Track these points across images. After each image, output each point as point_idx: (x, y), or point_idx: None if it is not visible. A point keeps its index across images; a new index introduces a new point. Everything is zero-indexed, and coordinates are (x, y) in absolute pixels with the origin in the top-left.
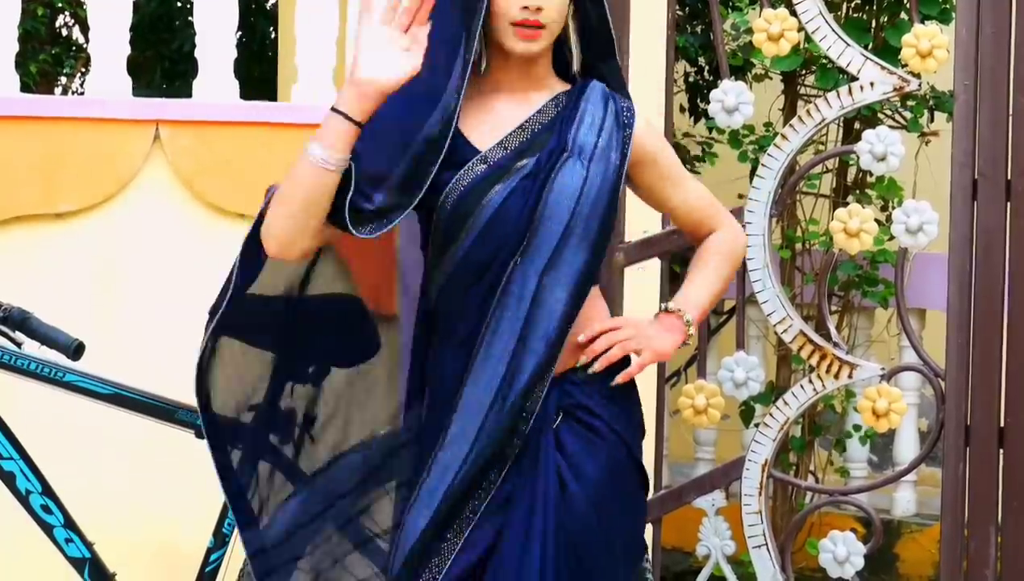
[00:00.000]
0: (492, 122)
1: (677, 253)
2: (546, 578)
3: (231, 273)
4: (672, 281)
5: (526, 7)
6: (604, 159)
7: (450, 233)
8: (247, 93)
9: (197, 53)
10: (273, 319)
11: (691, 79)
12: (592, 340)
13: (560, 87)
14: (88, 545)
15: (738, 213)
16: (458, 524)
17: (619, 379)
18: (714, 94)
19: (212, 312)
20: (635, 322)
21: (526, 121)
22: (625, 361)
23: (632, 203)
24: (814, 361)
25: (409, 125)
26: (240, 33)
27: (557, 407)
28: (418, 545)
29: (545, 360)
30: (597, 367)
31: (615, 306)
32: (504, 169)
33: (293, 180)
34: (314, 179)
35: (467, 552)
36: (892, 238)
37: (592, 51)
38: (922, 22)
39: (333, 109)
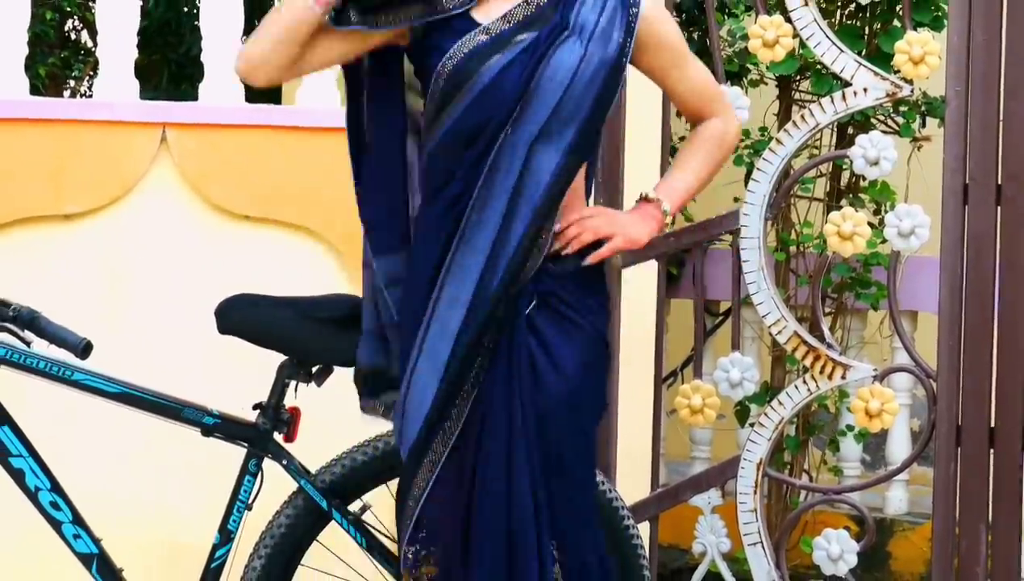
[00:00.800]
0: None
1: (674, 255)
2: (519, 459)
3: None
4: (669, 282)
5: None
6: (604, 38)
7: (446, 98)
8: (252, 96)
9: (203, 57)
10: (282, 322)
11: None
12: (567, 228)
13: None
14: (96, 541)
15: (733, 216)
16: (466, 390)
17: (589, 259)
18: None
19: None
20: (609, 210)
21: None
22: (598, 245)
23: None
24: (808, 362)
25: None
26: (245, 37)
27: (531, 293)
28: (432, 412)
29: (532, 229)
30: (569, 250)
31: (612, 307)
32: (504, 41)
33: (278, 12)
34: (297, 14)
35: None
36: (885, 241)
37: None
38: (915, 29)
39: None
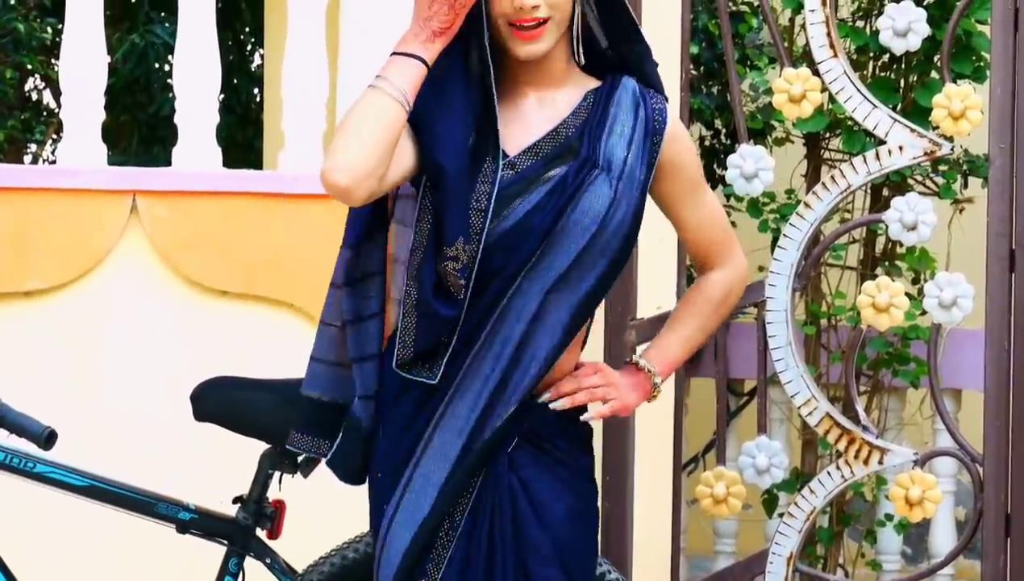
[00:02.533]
0: (522, 124)
1: None
2: None
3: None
4: (688, 359)
5: (520, 7)
6: (631, 178)
7: None
8: (231, 160)
9: (177, 118)
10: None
11: (707, 143)
12: (562, 380)
13: (590, 83)
14: None
15: (758, 287)
16: (441, 541)
17: (584, 417)
18: (731, 159)
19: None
20: (607, 370)
21: (560, 125)
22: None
23: (645, 278)
24: (842, 446)
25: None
26: (223, 96)
27: (514, 432)
28: (404, 564)
29: (535, 379)
30: (559, 406)
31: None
32: (530, 180)
33: (362, 111)
34: (387, 109)
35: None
36: (924, 313)
37: (613, 37)
38: (954, 81)
39: (395, 53)
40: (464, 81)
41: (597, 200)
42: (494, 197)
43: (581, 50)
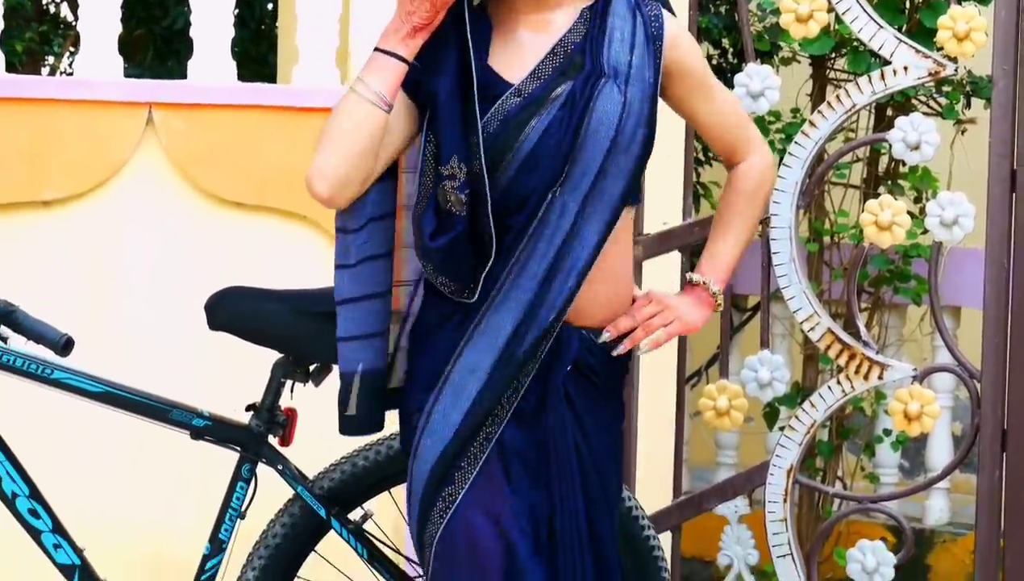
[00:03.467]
0: (520, 52)
1: (697, 247)
2: (570, 539)
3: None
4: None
5: None
6: (640, 79)
7: (488, 167)
8: (245, 74)
9: (192, 31)
10: (277, 317)
11: (714, 62)
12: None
13: (585, 1)
14: (78, 551)
15: None
16: (472, 453)
17: (643, 346)
18: (738, 78)
19: None
20: (662, 298)
21: (557, 45)
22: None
23: (652, 195)
24: (842, 361)
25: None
26: (237, 10)
27: (574, 358)
28: (435, 471)
29: (573, 290)
30: (620, 350)
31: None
32: (539, 101)
33: (342, 119)
34: (367, 117)
35: (481, 480)
36: (926, 232)
37: None
38: (959, 3)
39: (377, 49)
40: (456, 12)
41: (610, 107)
42: (478, 113)
43: None
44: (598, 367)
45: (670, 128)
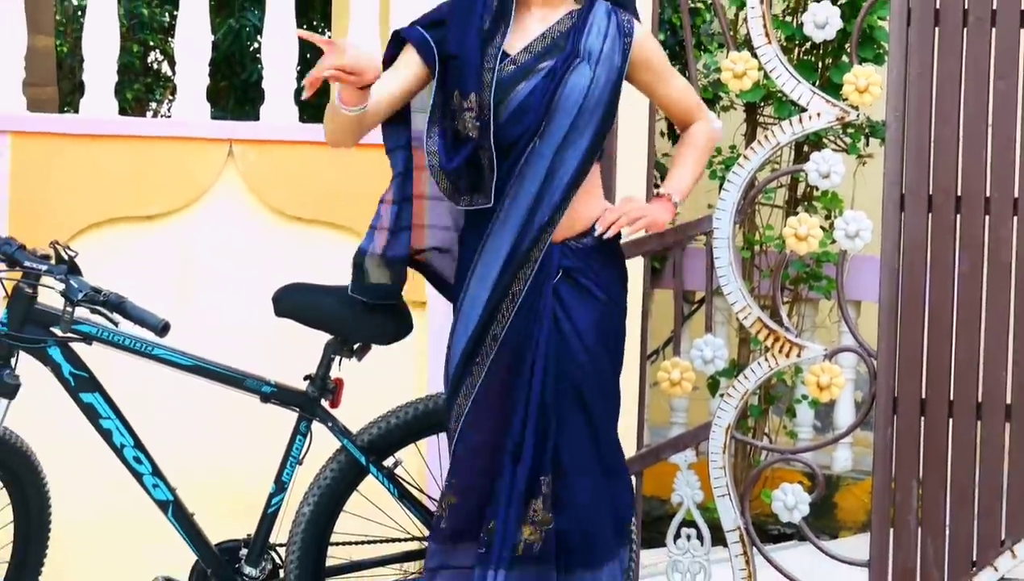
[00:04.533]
0: (521, 33)
1: (657, 252)
2: (545, 401)
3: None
4: (652, 275)
5: None
6: (608, 61)
7: None
8: (303, 117)
9: (264, 83)
10: (329, 306)
11: None
12: (605, 213)
13: (575, 5)
14: (171, 490)
15: (706, 220)
16: (485, 349)
17: (618, 225)
18: None
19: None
20: (636, 198)
21: (547, 30)
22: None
23: (622, 168)
24: (769, 343)
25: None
26: (299, 67)
27: (558, 266)
28: (459, 366)
29: (552, 218)
30: (607, 233)
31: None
32: (528, 69)
33: (332, 115)
34: (345, 116)
35: (493, 373)
36: (834, 242)
37: None
38: (860, 63)
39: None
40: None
41: (580, 80)
42: (496, 65)
43: None
44: (586, 269)
45: (637, 116)
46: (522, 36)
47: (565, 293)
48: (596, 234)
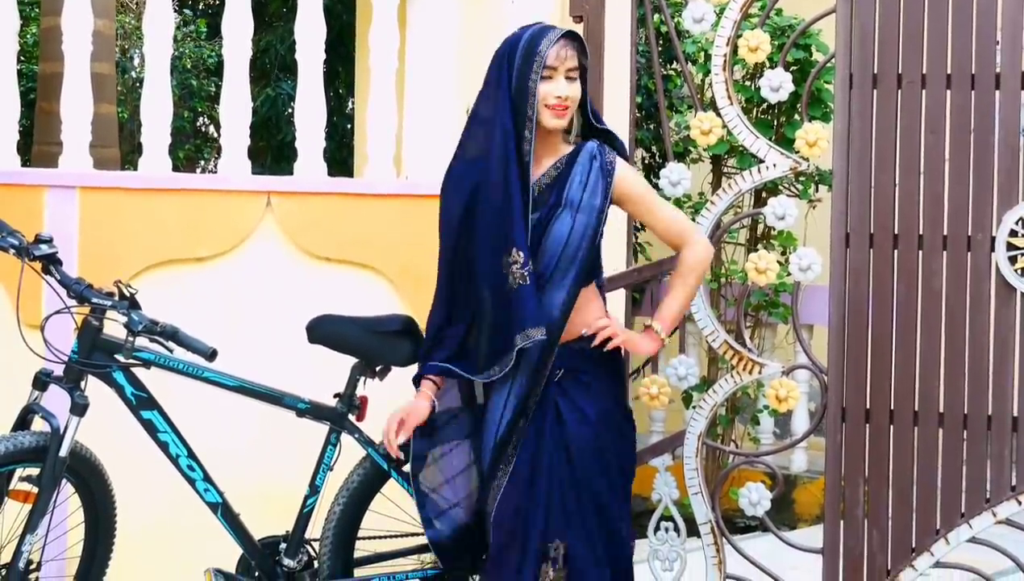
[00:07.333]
0: None
1: (637, 285)
2: (552, 488)
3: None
4: (633, 304)
5: (559, 96)
6: (588, 208)
7: None
8: (332, 172)
9: (297, 143)
10: (355, 334)
11: (646, 161)
12: (596, 334)
13: (565, 151)
14: (220, 493)
15: None
16: (505, 459)
17: (611, 345)
18: (663, 172)
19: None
20: (625, 330)
21: (534, 183)
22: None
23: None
24: (735, 361)
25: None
26: (327, 129)
27: (559, 367)
28: (487, 474)
29: (551, 339)
30: (596, 342)
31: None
32: None
33: None
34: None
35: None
36: (789, 274)
37: (588, 117)
38: (810, 121)
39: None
40: (511, 147)
41: (562, 227)
42: (530, 223)
43: (581, 123)
44: (584, 367)
45: (617, 210)
46: None
47: (567, 385)
48: (586, 336)
